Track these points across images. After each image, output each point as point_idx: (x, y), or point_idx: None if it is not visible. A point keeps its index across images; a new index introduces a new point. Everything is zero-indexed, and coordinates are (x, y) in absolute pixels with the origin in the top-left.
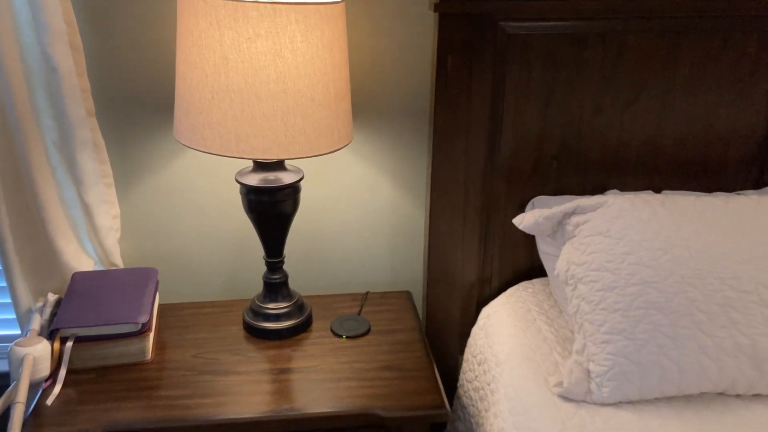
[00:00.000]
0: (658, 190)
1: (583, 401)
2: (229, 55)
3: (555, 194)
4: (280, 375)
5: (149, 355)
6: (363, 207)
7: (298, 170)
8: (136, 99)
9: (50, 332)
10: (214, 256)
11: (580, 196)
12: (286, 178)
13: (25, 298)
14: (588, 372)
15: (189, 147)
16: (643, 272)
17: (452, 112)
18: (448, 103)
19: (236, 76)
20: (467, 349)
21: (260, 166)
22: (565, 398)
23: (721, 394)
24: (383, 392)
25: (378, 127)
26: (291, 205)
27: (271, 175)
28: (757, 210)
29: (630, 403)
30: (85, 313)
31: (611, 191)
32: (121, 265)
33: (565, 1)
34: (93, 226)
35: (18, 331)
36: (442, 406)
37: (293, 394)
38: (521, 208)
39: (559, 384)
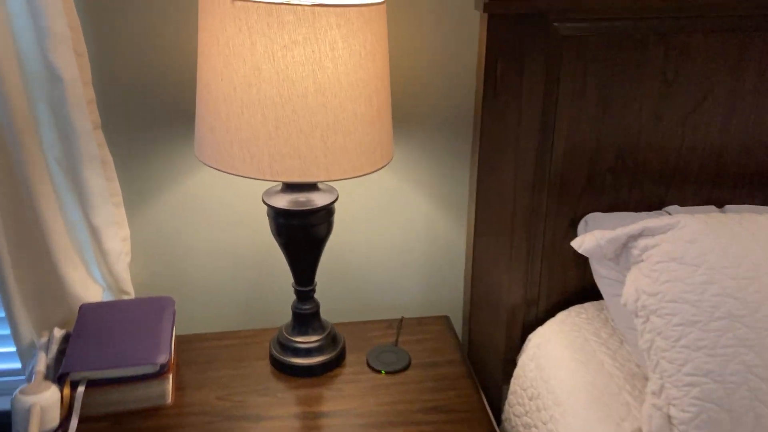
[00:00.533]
0: (720, 204)
1: None
2: (261, 65)
3: (609, 210)
4: (317, 420)
5: (169, 398)
6: (396, 224)
7: (331, 189)
8: (146, 110)
9: (59, 376)
10: (233, 280)
11: (637, 213)
12: (319, 199)
13: (27, 331)
14: (669, 418)
15: (215, 168)
16: (729, 304)
17: (501, 122)
18: (496, 112)
19: (270, 89)
20: (515, 380)
21: (290, 186)
22: None
23: None
24: None
25: (414, 138)
26: (325, 229)
27: (302, 197)
28: None
29: None
30: (97, 354)
31: (671, 207)
32: (132, 291)
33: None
34: (101, 251)
35: (18, 365)
36: None
37: None
38: (572, 225)
39: (638, 431)
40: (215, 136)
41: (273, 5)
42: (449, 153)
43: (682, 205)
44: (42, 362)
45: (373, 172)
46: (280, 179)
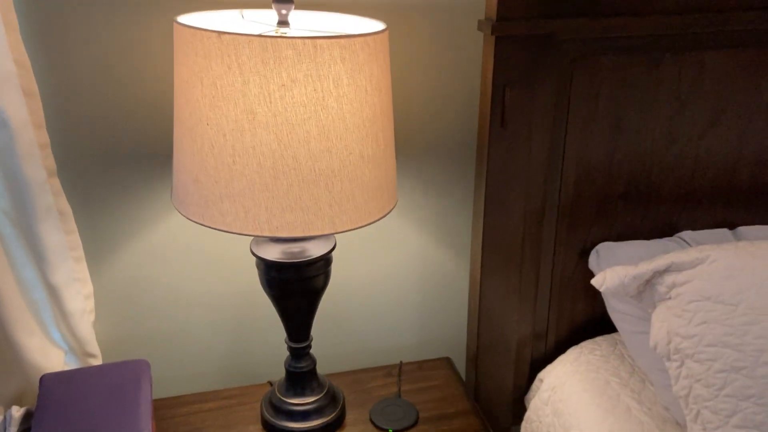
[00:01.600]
0: (732, 226)
1: None
2: (256, 107)
3: (620, 238)
4: None
5: None
6: (390, 262)
7: (328, 237)
8: (106, 151)
9: None
10: (210, 334)
11: (649, 240)
12: (315, 248)
13: None
14: None
15: (202, 225)
16: None
17: (509, 153)
18: (504, 143)
19: (266, 135)
20: (526, 425)
21: None
22: None
23: None
24: None
25: (410, 172)
26: (322, 280)
27: (295, 246)
28: None
29: None
30: None
31: (685, 233)
32: (98, 353)
33: (637, 17)
34: (62, 312)
35: None
36: None
37: None
38: (582, 255)
39: None
40: (200, 189)
41: (268, 39)
42: (448, 186)
43: (693, 228)
44: None
45: (381, 218)
46: (279, 235)
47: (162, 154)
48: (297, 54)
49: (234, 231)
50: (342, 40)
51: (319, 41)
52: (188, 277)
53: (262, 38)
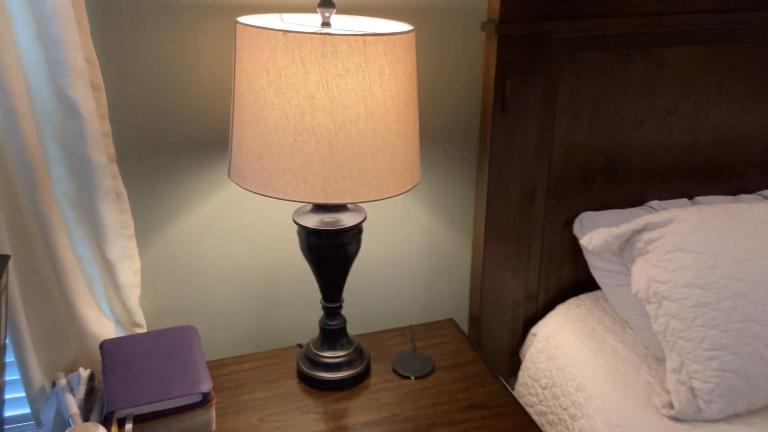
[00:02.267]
0: (690, 197)
1: (694, 419)
2: (315, 93)
3: (599, 208)
4: (370, 428)
5: (214, 425)
6: (400, 236)
7: (359, 209)
8: (157, 139)
9: (105, 416)
10: (240, 303)
11: (624, 209)
12: (348, 218)
13: (38, 375)
14: (692, 390)
15: (264, 195)
16: (734, 285)
17: (509, 135)
18: (505, 127)
19: (324, 116)
20: (524, 373)
21: (321, 206)
22: (677, 419)
23: None
24: None
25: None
26: (355, 247)
27: (329, 217)
28: None
29: (737, 415)
30: (139, 388)
31: (653, 202)
32: (144, 324)
33: (612, 18)
34: (115, 285)
35: (27, 410)
36: None
37: None
38: (566, 225)
39: (668, 405)
40: (264, 165)
41: (326, 36)
42: (452, 168)
43: (659, 199)
44: (73, 404)
45: (413, 187)
46: (334, 201)
47: (207, 142)
48: (350, 48)
49: (295, 199)
50: (385, 37)
51: (368, 38)
52: (222, 255)
53: (322, 35)
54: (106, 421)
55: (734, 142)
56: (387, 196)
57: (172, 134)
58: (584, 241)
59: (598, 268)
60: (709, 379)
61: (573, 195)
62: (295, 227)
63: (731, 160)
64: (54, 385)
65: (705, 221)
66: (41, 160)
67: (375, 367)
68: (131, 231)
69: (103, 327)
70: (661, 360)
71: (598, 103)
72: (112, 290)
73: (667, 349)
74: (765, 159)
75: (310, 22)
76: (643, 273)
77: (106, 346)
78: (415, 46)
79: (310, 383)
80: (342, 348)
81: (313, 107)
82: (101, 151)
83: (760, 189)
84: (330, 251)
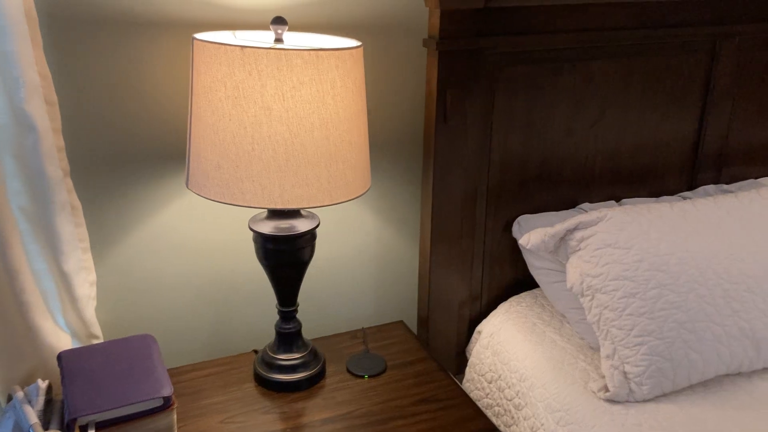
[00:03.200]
0: (617, 199)
1: (627, 401)
2: (272, 105)
3: (535, 211)
4: (328, 425)
5: (175, 429)
6: (349, 243)
7: (312, 216)
8: (109, 155)
9: (67, 423)
10: (194, 313)
11: (558, 212)
12: (301, 225)
13: None
14: (625, 374)
15: (223, 203)
16: (658, 276)
17: (451, 144)
18: (447, 136)
19: (280, 126)
20: (470, 369)
21: (275, 213)
22: (612, 401)
23: (727, 375)
24: (434, 425)
25: None
26: (309, 252)
27: (284, 223)
28: (719, 210)
29: (664, 395)
30: (100, 395)
31: (584, 204)
32: (101, 335)
33: (543, 34)
34: (71, 297)
35: None
36: (494, 428)
37: None
38: (506, 228)
39: (603, 389)
40: (222, 174)
41: (281, 50)
42: (398, 176)
43: (590, 202)
44: (32, 415)
45: (364, 193)
46: (290, 207)
47: (162, 155)
48: (304, 62)
49: (253, 205)
50: (336, 52)
51: (320, 53)
52: (178, 265)
53: (277, 50)
54: (68, 429)
55: (655, 148)
56: (341, 200)
57: (126, 148)
58: (522, 241)
59: (536, 267)
60: (639, 363)
61: (511, 199)
62: (250, 235)
63: (653, 164)
64: (10, 399)
65: (631, 219)
66: None
67: (330, 369)
68: (86, 244)
69: (60, 340)
70: (595, 349)
71: (531, 114)
72: (69, 302)
73: (601, 337)
74: (683, 163)
75: (263, 38)
76: (576, 269)
77: (64, 356)
78: (362, 60)
79: (267, 386)
80: (297, 350)
81: (270, 118)
82: (56, 166)
83: (680, 191)
84: (285, 256)
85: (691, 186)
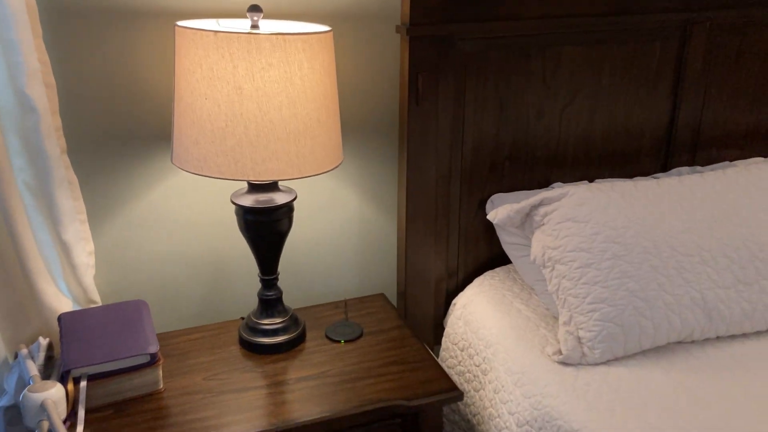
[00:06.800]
0: (591, 180)
1: (579, 364)
2: (243, 84)
3: (509, 190)
4: (301, 383)
5: (161, 384)
6: (334, 220)
7: (290, 190)
8: (104, 134)
9: (62, 374)
10: (187, 282)
11: (530, 191)
12: (280, 198)
13: (1, 349)
14: (578, 339)
15: (201, 175)
16: (613, 248)
17: (423, 126)
18: (419, 119)
19: (251, 104)
20: (446, 339)
21: (255, 187)
22: (565, 363)
23: (680, 342)
24: (400, 384)
25: (345, 144)
26: (287, 224)
27: (263, 197)
28: (682, 188)
29: (616, 359)
30: (93, 351)
31: (556, 184)
32: (99, 300)
33: (512, 21)
34: (71, 265)
35: None
36: (455, 388)
37: (322, 398)
38: (480, 206)
39: (557, 352)
40: (200, 149)
41: (251, 35)
42: (376, 156)
43: (563, 182)
44: (33, 368)
45: (333, 168)
46: (261, 179)
47: (151, 135)
48: (272, 45)
49: (227, 177)
50: (303, 36)
51: (287, 37)
52: (168, 239)
53: (248, 35)
54: (62, 380)
55: (628, 132)
56: (310, 174)
57: (118, 128)
58: (490, 216)
59: (507, 242)
60: (592, 328)
61: (484, 179)
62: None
63: (626, 147)
64: (16, 356)
65: (592, 195)
66: (3, 151)
67: (309, 335)
68: (84, 216)
69: (62, 303)
70: (557, 318)
71: (503, 97)
72: (69, 270)
73: (559, 305)
74: (658, 147)
75: (243, 25)
76: (539, 242)
77: (63, 318)
78: (333, 44)
79: (250, 348)
80: (279, 315)
81: (241, 96)
82: (54, 144)
83: (654, 173)
84: (264, 227)
85: (666, 169)
